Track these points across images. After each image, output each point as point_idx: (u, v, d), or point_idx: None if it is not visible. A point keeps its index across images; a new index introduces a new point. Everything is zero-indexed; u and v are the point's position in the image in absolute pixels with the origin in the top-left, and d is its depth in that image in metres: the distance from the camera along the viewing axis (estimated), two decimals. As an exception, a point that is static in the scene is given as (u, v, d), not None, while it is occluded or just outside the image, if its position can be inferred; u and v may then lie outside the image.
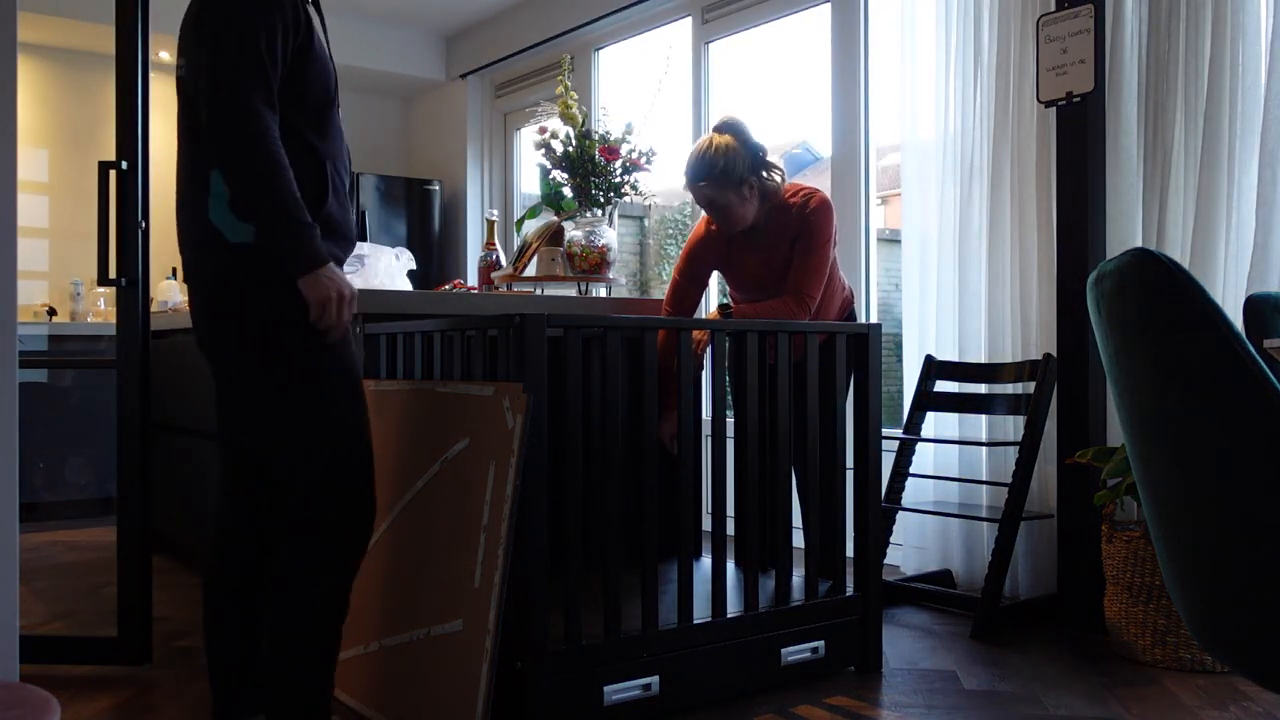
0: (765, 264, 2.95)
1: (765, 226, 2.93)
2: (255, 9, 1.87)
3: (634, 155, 3.39)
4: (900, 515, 3.54)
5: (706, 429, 3.86)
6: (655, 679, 2.33)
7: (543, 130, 3.46)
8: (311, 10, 2.05)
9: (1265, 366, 1.41)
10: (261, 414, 2.02)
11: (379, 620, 2.38)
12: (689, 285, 3.08)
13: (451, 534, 2.23)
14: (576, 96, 3.48)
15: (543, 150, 3.43)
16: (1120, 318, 1.57)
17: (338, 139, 2.06)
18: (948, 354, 3.59)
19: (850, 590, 2.72)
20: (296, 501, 2.00)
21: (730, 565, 2.95)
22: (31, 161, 5.70)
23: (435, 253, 6.47)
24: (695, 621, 2.41)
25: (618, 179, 3.39)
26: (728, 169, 2.81)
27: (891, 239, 4.31)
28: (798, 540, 2.82)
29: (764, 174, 2.87)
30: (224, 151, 1.86)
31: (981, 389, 3.47)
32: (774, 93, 5.28)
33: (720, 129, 2.89)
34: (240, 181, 1.86)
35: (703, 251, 3.05)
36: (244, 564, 2.12)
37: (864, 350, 2.72)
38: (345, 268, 2.14)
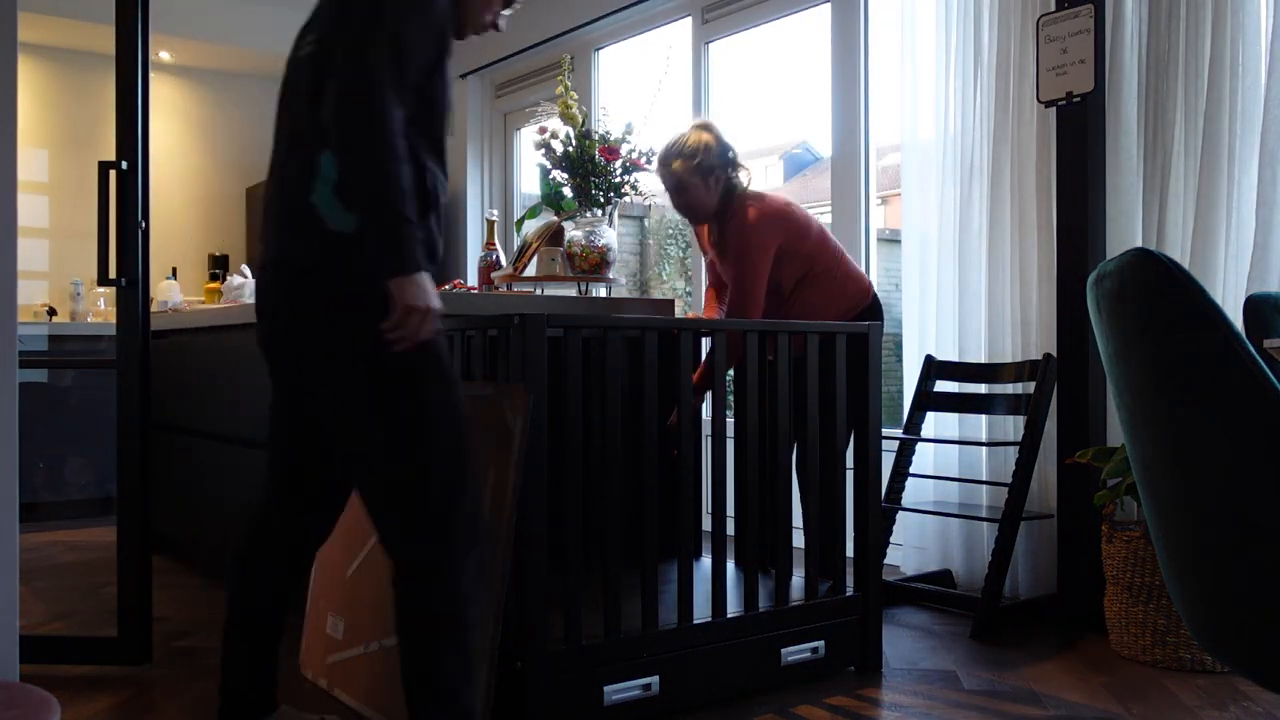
0: (716, 268, 3.21)
1: (722, 231, 3.13)
2: (407, 8, 1.80)
3: (634, 155, 3.39)
4: (900, 515, 3.54)
5: (706, 429, 3.85)
6: (655, 679, 2.33)
7: (543, 130, 3.45)
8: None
9: (1265, 366, 1.41)
10: (350, 411, 1.89)
11: (379, 620, 2.38)
12: (710, 273, 3.34)
13: (451, 534, 2.22)
14: (576, 96, 3.48)
15: (543, 150, 3.43)
16: (1120, 317, 1.57)
17: (444, 161, 1.96)
18: (948, 354, 3.59)
19: (850, 590, 2.72)
20: (395, 502, 1.88)
21: (730, 565, 2.95)
22: (31, 161, 5.70)
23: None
24: (695, 621, 2.41)
25: (618, 179, 3.39)
26: (700, 155, 3.07)
27: (891, 239, 4.31)
28: (798, 540, 2.82)
29: (731, 172, 3.12)
30: (345, 132, 1.75)
31: (981, 389, 3.47)
32: (774, 93, 5.28)
33: (698, 126, 3.16)
34: (356, 164, 1.75)
35: (701, 238, 3.33)
36: (280, 573, 2.05)
37: (864, 350, 2.72)
38: None
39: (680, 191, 3.11)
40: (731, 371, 3.08)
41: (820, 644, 2.63)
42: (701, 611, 2.46)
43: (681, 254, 6.38)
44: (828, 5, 4.32)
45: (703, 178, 3.07)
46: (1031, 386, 3.24)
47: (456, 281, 4.43)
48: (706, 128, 3.14)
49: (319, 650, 2.59)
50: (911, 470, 3.54)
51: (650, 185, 3.49)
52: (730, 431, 3.35)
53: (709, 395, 3.13)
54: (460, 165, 6.57)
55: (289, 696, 2.52)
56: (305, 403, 2.01)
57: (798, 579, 2.70)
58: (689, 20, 5.03)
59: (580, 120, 3.41)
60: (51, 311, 5.55)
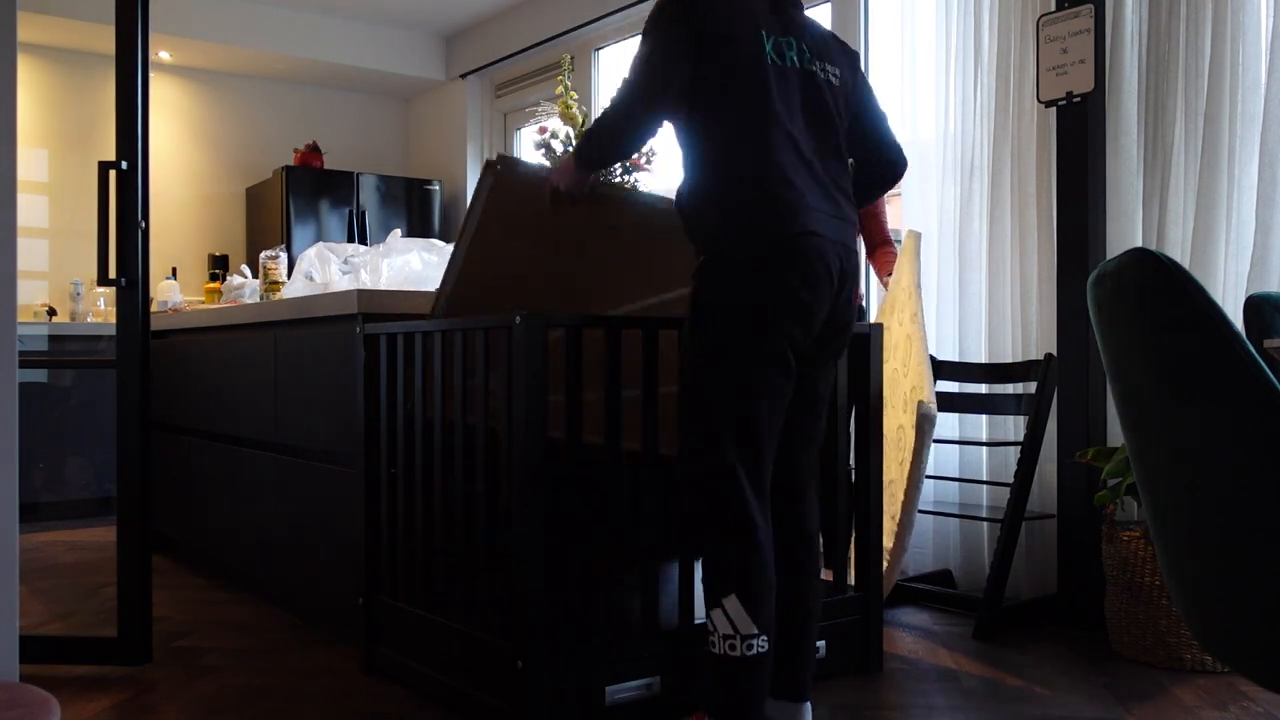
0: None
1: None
2: None
3: (634, 155, 3.39)
4: (900, 515, 3.54)
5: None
6: (656, 679, 2.32)
7: (543, 130, 3.45)
8: None
9: (1265, 366, 1.41)
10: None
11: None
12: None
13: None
14: (576, 96, 3.48)
15: (543, 150, 3.43)
16: (1120, 318, 1.57)
17: None
18: (948, 354, 3.59)
19: (850, 590, 2.72)
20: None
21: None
22: (31, 161, 5.70)
23: (435, 253, 6.46)
24: (696, 621, 2.41)
25: (618, 179, 3.39)
26: None
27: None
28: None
29: None
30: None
31: (982, 389, 3.47)
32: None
33: None
34: None
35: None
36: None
37: (864, 350, 2.72)
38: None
39: None
40: None
41: (820, 644, 2.62)
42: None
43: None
44: (828, 5, 4.32)
45: None
46: (1032, 386, 3.24)
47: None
48: None
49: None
50: (912, 470, 3.53)
51: (650, 185, 3.48)
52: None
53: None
54: (460, 165, 6.57)
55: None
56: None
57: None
58: (689, 20, 5.02)
59: (580, 120, 3.41)
60: (51, 311, 5.55)
